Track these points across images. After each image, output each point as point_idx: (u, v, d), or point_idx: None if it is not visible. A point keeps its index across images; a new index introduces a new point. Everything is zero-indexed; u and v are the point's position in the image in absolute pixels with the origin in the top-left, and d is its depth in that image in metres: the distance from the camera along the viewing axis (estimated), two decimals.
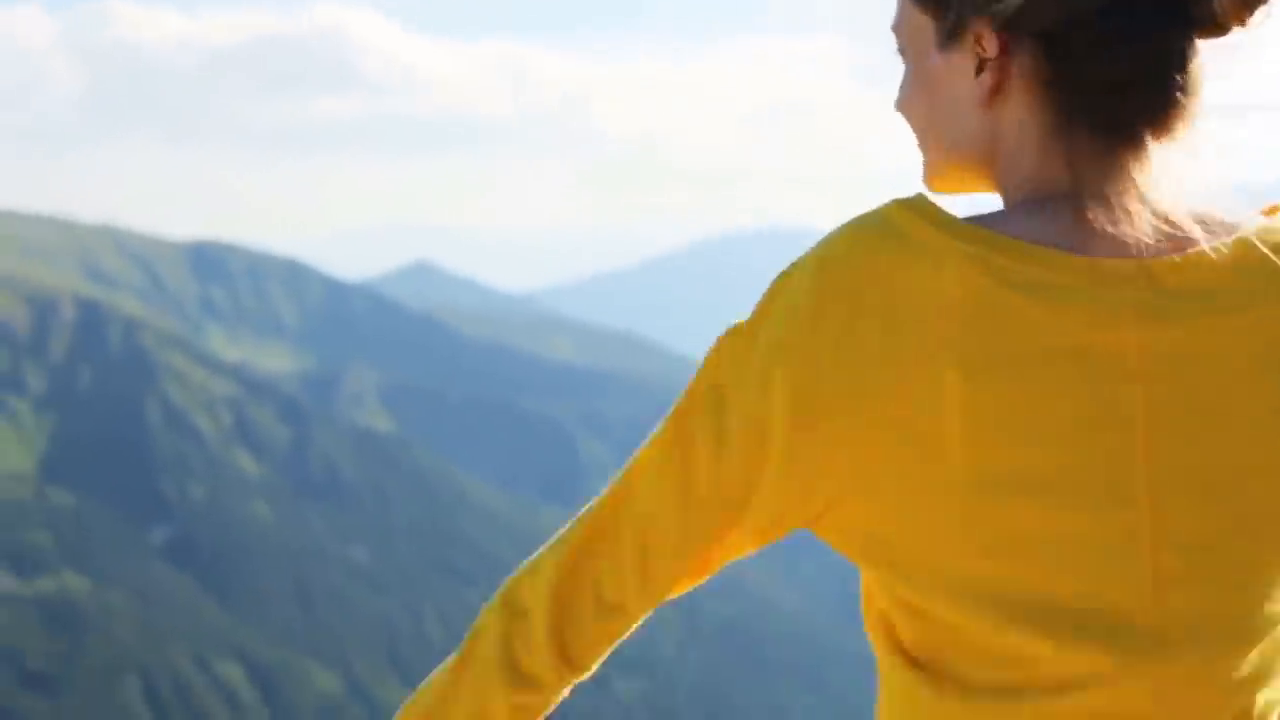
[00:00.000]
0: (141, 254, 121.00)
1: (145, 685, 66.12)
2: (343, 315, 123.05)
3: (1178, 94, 1.53)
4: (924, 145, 1.70)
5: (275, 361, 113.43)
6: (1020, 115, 1.59)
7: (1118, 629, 1.48)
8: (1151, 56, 1.52)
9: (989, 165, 1.64)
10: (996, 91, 1.60)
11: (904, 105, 1.69)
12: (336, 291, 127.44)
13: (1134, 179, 1.54)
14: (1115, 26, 1.51)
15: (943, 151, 1.67)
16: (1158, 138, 1.55)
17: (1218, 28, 1.52)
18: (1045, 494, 1.47)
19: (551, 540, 1.80)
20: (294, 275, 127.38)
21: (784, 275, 1.56)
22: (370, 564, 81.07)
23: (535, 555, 1.83)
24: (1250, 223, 1.57)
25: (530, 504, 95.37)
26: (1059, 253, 1.51)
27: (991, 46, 1.58)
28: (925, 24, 1.64)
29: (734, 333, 1.58)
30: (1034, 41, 1.56)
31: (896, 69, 1.75)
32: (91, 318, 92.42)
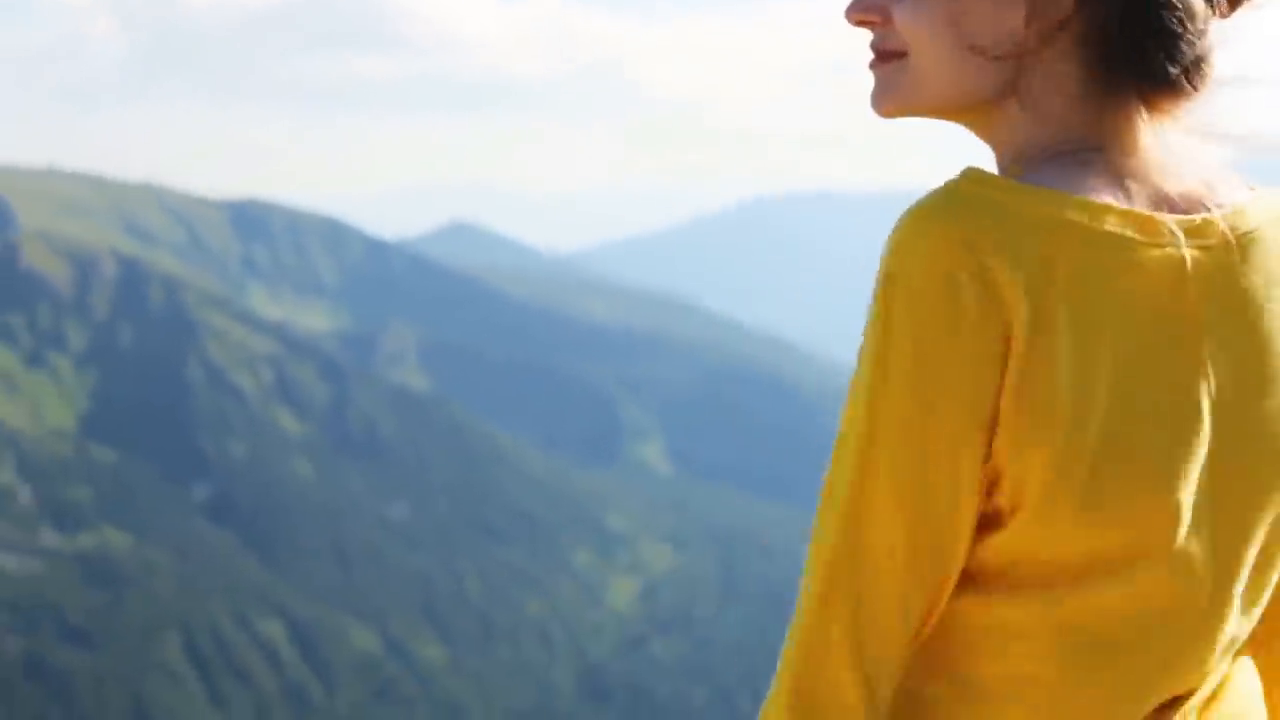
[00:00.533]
0: (182, 212, 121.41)
1: (185, 641, 66.54)
2: (383, 274, 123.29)
3: (1205, 66, 1.58)
4: (916, 73, 1.63)
5: (315, 320, 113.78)
6: (1061, 66, 1.59)
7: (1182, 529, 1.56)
8: (1197, 28, 1.57)
9: (991, 108, 1.63)
10: (1046, 39, 1.58)
11: (912, 27, 1.61)
12: (376, 250, 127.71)
13: (1168, 140, 1.59)
14: None
15: (941, 86, 1.62)
16: (1186, 104, 1.59)
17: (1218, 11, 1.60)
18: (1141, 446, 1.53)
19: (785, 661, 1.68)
20: (334, 234, 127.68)
21: (893, 278, 1.51)
22: (408, 522, 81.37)
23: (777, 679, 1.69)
24: (1251, 192, 1.65)
25: (568, 464, 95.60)
26: (1123, 208, 1.54)
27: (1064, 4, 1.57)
28: None
29: (880, 360, 1.52)
30: None
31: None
32: (132, 275, 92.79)
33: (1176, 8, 1.55)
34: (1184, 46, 1.56)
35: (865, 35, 1.68)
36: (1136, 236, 1.54)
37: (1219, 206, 1.60)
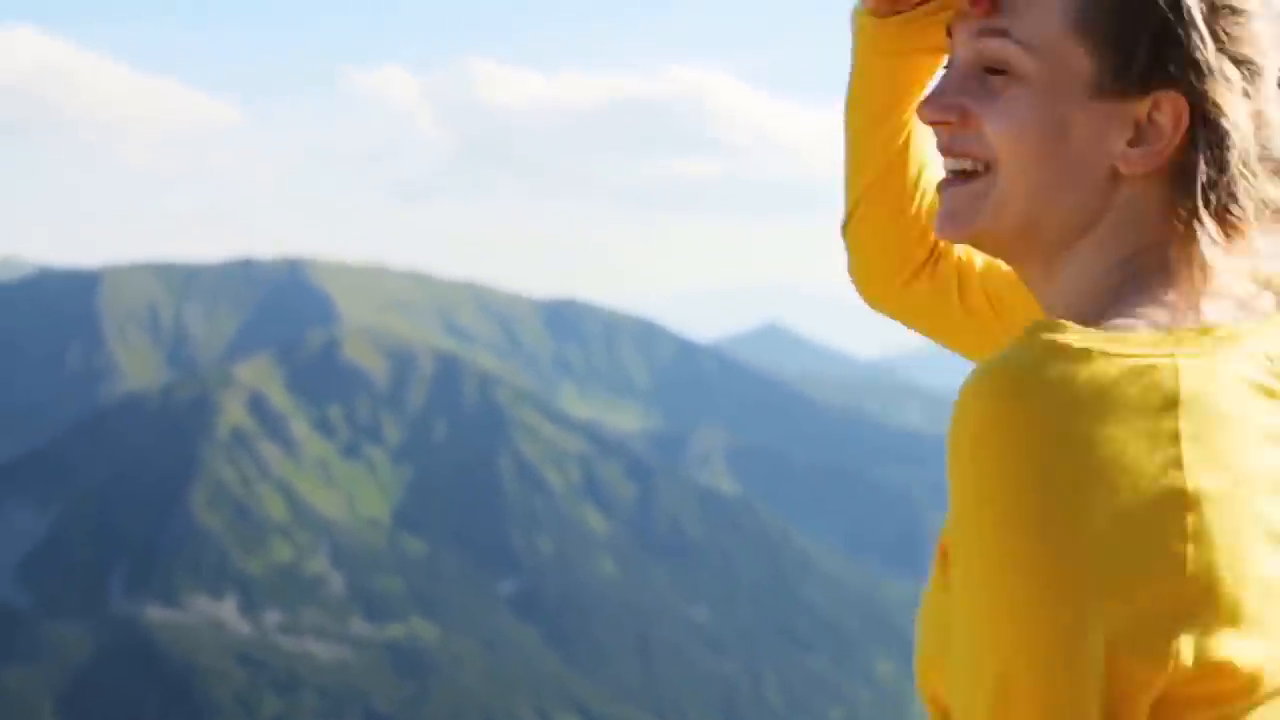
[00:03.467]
0: (499, 310, 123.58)
1: None
2: (693, 376, 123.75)
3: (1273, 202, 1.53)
4: (1003, 191, 1.53)
5: (625, 420, 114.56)
6: (1146, 197, 1.52)
7: None
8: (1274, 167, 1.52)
9: (1064, 245, 1.54)
10: (1145, 165, 1.51)
11: (1010, 135, 1.51)
12: (687, 352, 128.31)
13: (1244, 263, 1.51)
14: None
15: (1029, 208, 1.52)
16: (1248, 236, 1.52)
17: None
18: None
19: None
20: (646, 334, 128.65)
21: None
22: (711, 624, 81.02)
23: None
24: None
25: (874, 572, 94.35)
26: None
27: (1179, 121, 1.49)
28: (1080, 62, 1.49)
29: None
30: (1208, 123, 1.49)
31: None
32: (448, 371, 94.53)
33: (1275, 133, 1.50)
34: (1267, 185, 1.50)
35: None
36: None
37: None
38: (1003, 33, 1.51)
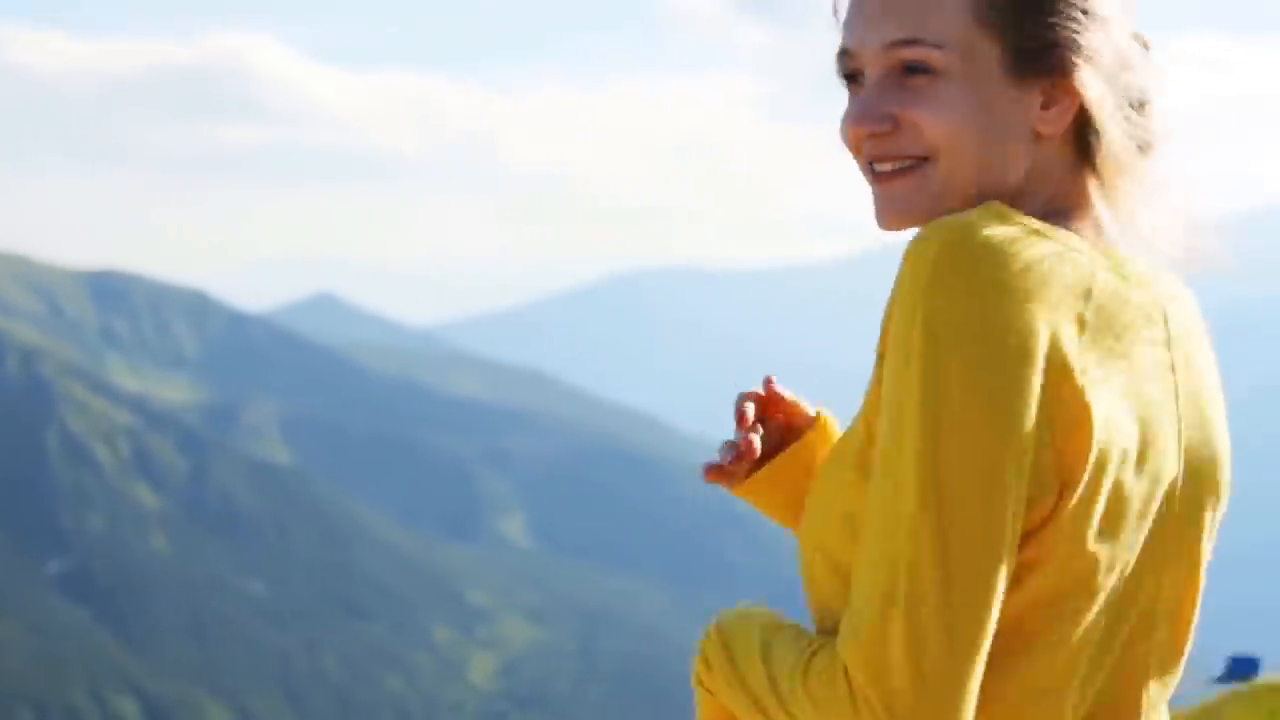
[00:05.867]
0: (41, 282, 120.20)
1: (38, 718, 65.67)
2: (244, 346, 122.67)
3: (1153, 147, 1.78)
4: (947, 172, 1.71)
5: (175, 392, 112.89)
6: (1059, 150, 1.72)
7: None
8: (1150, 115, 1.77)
9: (1005, 192, 1.72)
10: (1060, 123, 1.71)
11: (950, 127, 1.69)
12: (238, 323, 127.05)
13: (1130, 206, 1.76)
14: None
15: (973, 178, 1.71)
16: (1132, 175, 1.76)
17: None
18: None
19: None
20: (196, 306, 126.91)
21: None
22: (267, 598, 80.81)
23: None
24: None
25: (428, 539, 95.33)
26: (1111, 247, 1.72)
27: (1078, 92, 1.70)
28: (988, 49, 1.69)
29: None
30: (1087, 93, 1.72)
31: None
32: None
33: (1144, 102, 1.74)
34: (1144, 131, 1.75)
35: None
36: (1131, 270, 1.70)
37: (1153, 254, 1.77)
38: (914, 41, 1.69)
